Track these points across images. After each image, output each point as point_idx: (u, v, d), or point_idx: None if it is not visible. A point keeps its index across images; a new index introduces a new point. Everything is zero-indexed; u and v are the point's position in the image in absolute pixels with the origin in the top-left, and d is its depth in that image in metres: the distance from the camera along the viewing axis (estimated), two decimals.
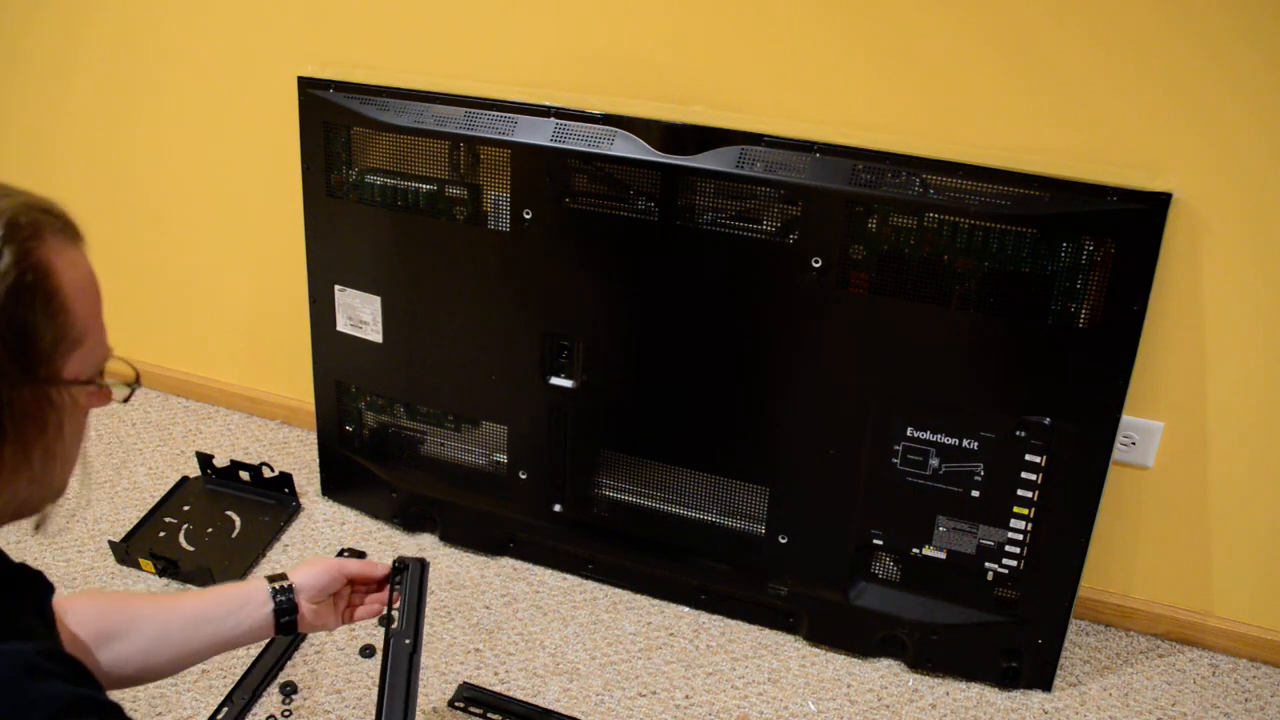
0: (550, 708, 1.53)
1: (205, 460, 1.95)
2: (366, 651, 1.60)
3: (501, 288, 1.63)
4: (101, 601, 1.05)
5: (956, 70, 1.44)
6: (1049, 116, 1.42)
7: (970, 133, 1.46)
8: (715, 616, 1.71)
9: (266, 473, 1.91)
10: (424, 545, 1.84)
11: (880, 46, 1.46)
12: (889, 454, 1.52)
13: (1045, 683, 1.59)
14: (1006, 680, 1.58)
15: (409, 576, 1.20)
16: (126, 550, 1.75)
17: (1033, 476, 1.47)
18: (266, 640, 1.43)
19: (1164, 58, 1.35)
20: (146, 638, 1.03)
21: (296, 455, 2.06)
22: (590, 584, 1.77)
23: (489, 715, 1.51)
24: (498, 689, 1.56)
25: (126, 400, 0.80)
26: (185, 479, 1.96)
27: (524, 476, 1.74)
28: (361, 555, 1.80)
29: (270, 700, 1.51)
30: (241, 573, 1.75)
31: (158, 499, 1.91)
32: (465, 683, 1.56)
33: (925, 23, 1.43)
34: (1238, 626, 1.66)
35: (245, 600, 1.11)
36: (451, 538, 1.84)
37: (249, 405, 2.18)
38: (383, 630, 1.16)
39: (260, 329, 2.09)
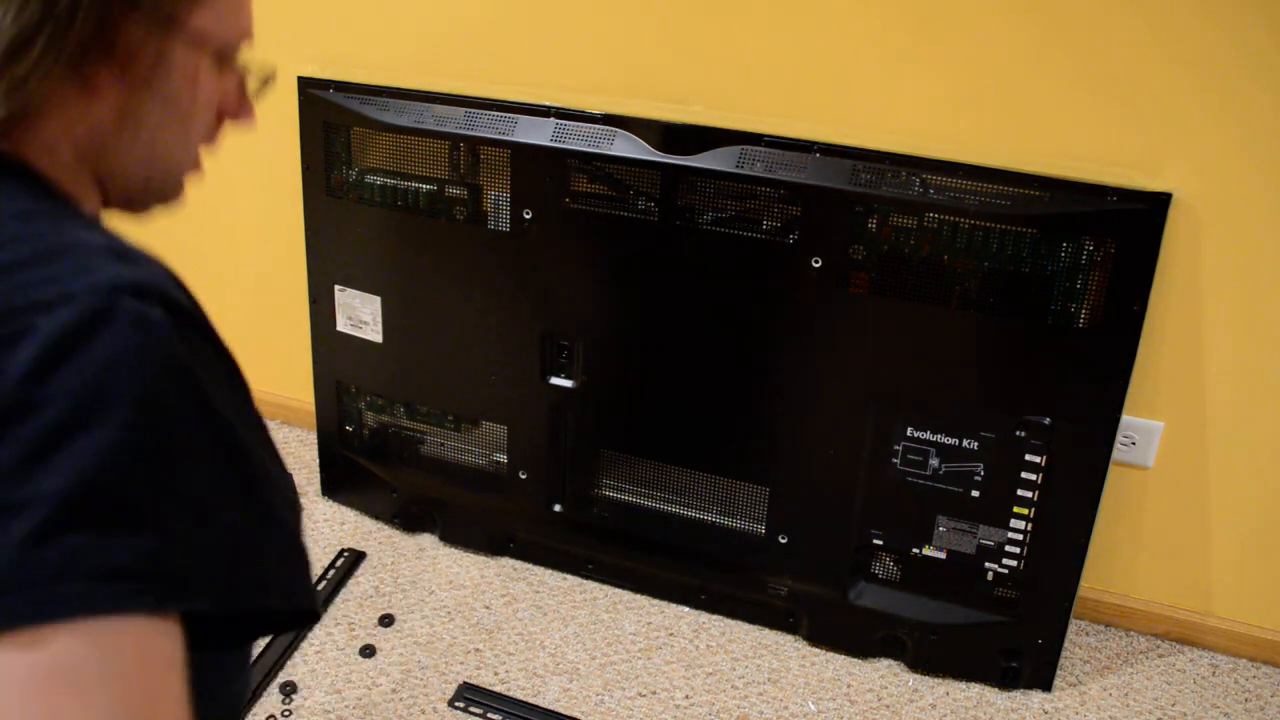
0: (550, 708, 1.53)
1: None
2: (366, 651, 1.60)
3: (501, 288, 1.63)
4: None
5: (956, 71, 1.44)
6: (1049, 116, 1.42)
7: (970, 132, 1.46)
8: (715, 616, 1.71)
9: None
10: (424, 545, 1.84)
11: (880, 46, 1.46)
12: (889, 454, 1.52)
13: (1045, 683, 1.59)
14: (1006, 680, 1.58)
15: None
16: None
17: (1033, 476, 1.47)
18: (266, 640, 1.42)
19: (1164, 58, 1.35)
20: None
21: (296, 455, 2.06)
22: (590, 584, 1.77)
23: (489, 715, 1.51)
24: (498, 689, 1.56)
25: (260, 90, 0.68)
26: None
27: (524, 476, 1.74)
28: (362, 555, 1.80)
29: (270, 700, 1.51)
30: None
31: None
32: (465, 683, 1.56)
33: (925, 23, 1.43)
34: (1238, 626, 1.66)
35: None
36: (451, 538, 1.84)
37: None
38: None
39: (260, 329, 2.09)
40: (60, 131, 0.59)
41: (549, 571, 1.79)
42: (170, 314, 0.52)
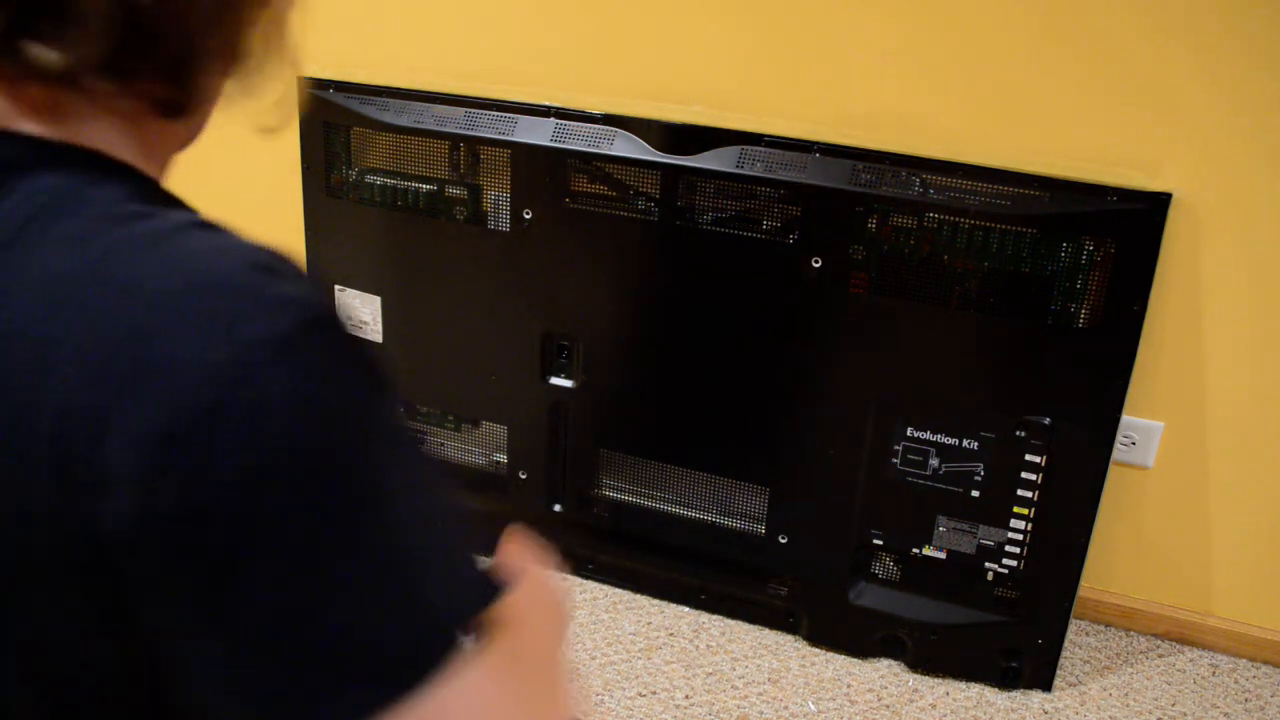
0: None
1: None
2: None
3: (501, 288, 1.63)
4: None
5: (956, 71, 1.44)
6: (1049, 117, 1.42)
7: (970, 132, 1.46)
8: (715, 616, 1.71)
9: None
10: None
11: (879, 47, 1.46)
12: (889, 454, 1.52)
13: (1045, 683, 1.59)
14: (1006, 680, 1.58)
15: None
16: None
17: (1033, 476, 1.47)
18: None
19: (1163, 58, 1.35)
20: None
21: None
22: (590, 584, 1.77)
23: None
24: None
25: None
26: None
27: (524, 476, 1.74)
28: None
29: None
30: None
31: None
32: None
33: (924, 24, 1.43)
34: (1238, 626, 1.66)
35: None
36: None
37: None
38: None
39: None
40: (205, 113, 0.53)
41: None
42: (353, 348, 0.43)
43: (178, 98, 0.49)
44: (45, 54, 0.43)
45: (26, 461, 0.39)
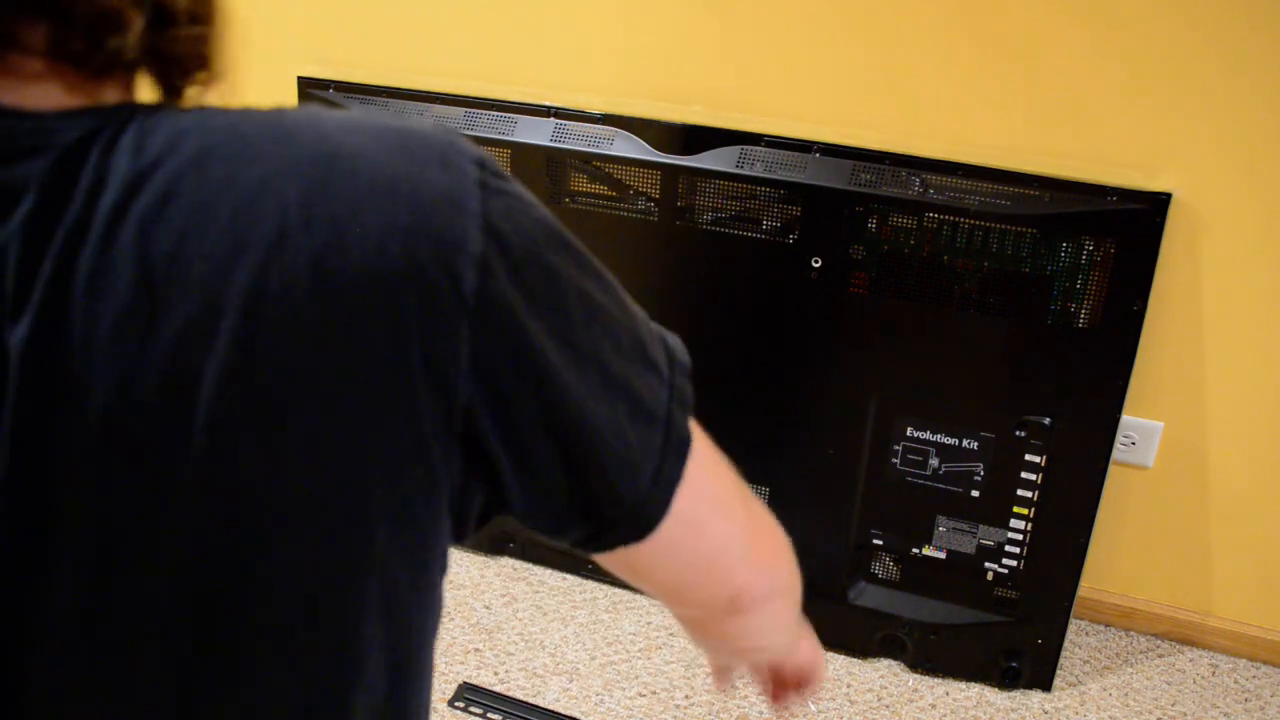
0: (550, 708, 1.53)
1: None
2: None
3: None
4: None
5: (957, 71, 1.44)
6: (1049, 117, 1.42)
7: (970, 133, 1.46)
8: None
9: None
10: None
11: (880, 47, 1.46)
12: (889, 454, 1.52)
13: (1045, 683, 1.59)
14: (1006, 680, 1.58)
15: None
16: None
17: (1033, 476, 1.47)
18: None
19: (1163, 58, 1.35)
20: None
21: None
22: (590, 584, 1.77)
23: (489, 715, 1.51)
24: (498, 689, 1.56)
25: None
26: None
27: None
28: None
29: None
30: None
31: None
32: (465, 683, 1.56)
33: (926, 24, 1.43)
34: (1238, 626, 1.66)
35: None
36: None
37: None
38: None
39: None
40: None
41: (549, 571, 1.79)
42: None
43: (214, 75, 0.55)
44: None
45: (390, 312, 0.43)
